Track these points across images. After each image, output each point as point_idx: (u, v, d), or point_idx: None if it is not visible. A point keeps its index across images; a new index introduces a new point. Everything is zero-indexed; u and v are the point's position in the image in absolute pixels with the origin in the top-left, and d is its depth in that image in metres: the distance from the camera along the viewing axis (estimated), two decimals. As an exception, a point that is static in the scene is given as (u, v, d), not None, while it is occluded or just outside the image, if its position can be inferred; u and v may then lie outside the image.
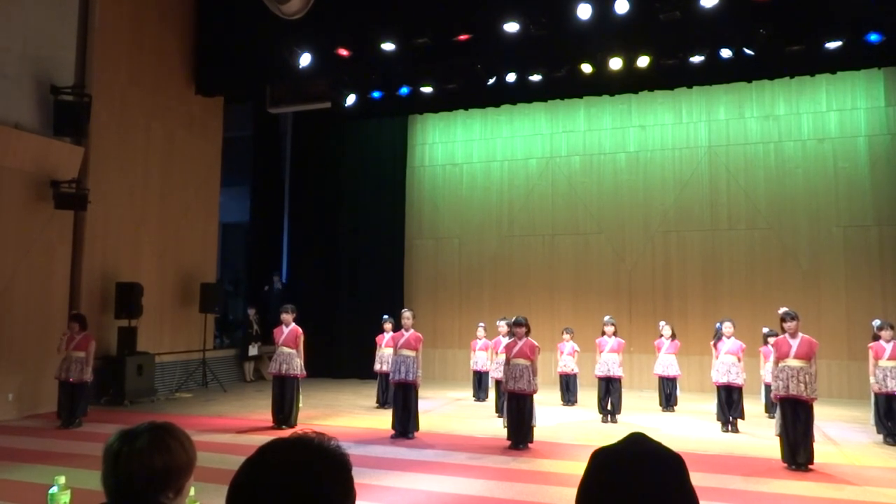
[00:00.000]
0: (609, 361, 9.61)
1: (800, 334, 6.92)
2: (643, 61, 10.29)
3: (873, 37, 9.34)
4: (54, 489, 2.87)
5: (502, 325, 10.07)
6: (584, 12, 9.60)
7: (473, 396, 11.43)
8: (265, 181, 15.76)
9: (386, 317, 10.69)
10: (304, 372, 8.99)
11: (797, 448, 6.68)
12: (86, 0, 10.74)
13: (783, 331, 7.04)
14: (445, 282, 14.76)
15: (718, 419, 8.92)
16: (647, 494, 1.00)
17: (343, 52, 11.07)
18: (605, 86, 11.04)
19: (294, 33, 11.07)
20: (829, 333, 11.32)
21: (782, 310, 7.20)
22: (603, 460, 1.07)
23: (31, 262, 9.76)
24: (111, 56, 11.07)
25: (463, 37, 10.35)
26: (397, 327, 8.99)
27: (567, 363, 10.80)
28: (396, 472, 6.48)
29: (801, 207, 12.53)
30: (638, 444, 1.07)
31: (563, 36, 9.98)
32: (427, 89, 11.65)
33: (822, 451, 7.25)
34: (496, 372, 9.85)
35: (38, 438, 8.03)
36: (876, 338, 8.18)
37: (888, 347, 7.99)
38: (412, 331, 8.54)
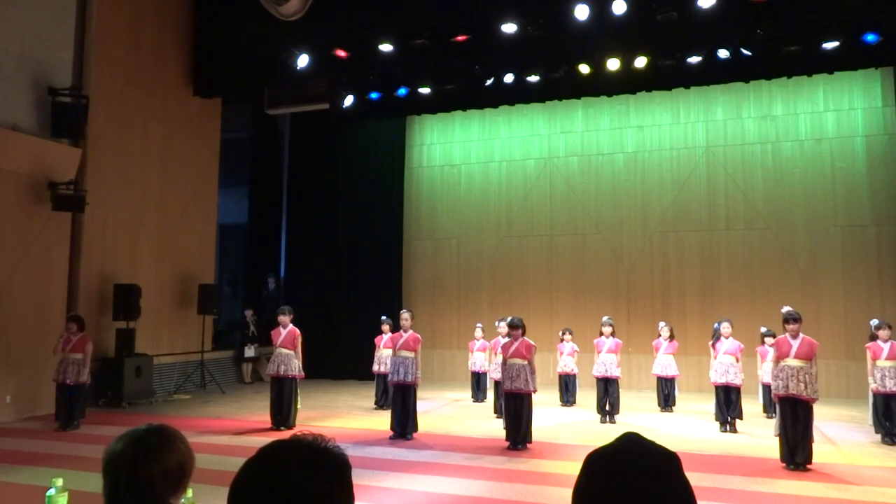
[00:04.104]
0: (607, 362, 9.61)
1: (800, 335, 6.92)
2: (641, 62, 10.30)
3: (870, 37, 9.35)
4: (52, 491, 2.86)
5: (501, 326, 10.07)
6: (582, 13, 9.61)
7: (472, 397, 11.43)
8: (263, 182, 15.76)
9: (384, 318, 10.70)
10: (303, 373, 8.99)
11: (796, 448, 6.69)
12: (83, 1, 10.73)
13: (784, 330, 7.04)
14: (444, 282, 14.76)
15: (717, 419, 8.91)
16: (642, 494, 1.00)
17: (341, 53, 11.06)
18: (603, 86, 11.04)
19: (292, 34, 11.07)
20: (827, 333, 11.34)
21: (785, 309, 7.21)
22: (597, 462, 1.06)
23: (29, 263, 9.75)
24: (109, 57, 11.06)
25: (461, 37, 10.35)
26: (396, 328, 9.00)
27: (567, 363, 10.80)
28: (395, 473, 6.48)
29: (798, 207, 12.54)
30: (632, 444, 1.07)
31: (561, 37, 9.98)
32: (425, 90, 11.65)
33: (821, 451, 7.26)
34: (495, 373, 9.85)
35: (36, 440, 8.01)
36: (873, 338, 8.18)
37: (886, 347, 8.00)
38: (411, 332, 8.54)
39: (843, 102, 12.47)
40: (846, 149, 12.39)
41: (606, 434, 8.17)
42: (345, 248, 15.04)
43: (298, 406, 9.01)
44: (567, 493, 1.07)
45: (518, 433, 7.67)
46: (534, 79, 10.97)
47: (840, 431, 8.78)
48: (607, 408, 9.49)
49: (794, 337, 6.91)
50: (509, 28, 10.02)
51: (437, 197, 15.04)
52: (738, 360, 8.89)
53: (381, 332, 10.68)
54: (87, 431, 8.46)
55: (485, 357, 11.17)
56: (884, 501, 5.62)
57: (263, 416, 9.10)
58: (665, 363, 10.30)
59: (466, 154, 14.93)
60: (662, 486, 1.01)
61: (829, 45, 9.43)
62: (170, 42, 12.43)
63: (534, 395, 7.85)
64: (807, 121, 12.69)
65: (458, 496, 5.74)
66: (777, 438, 6.92)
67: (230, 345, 14.23)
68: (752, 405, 9.71)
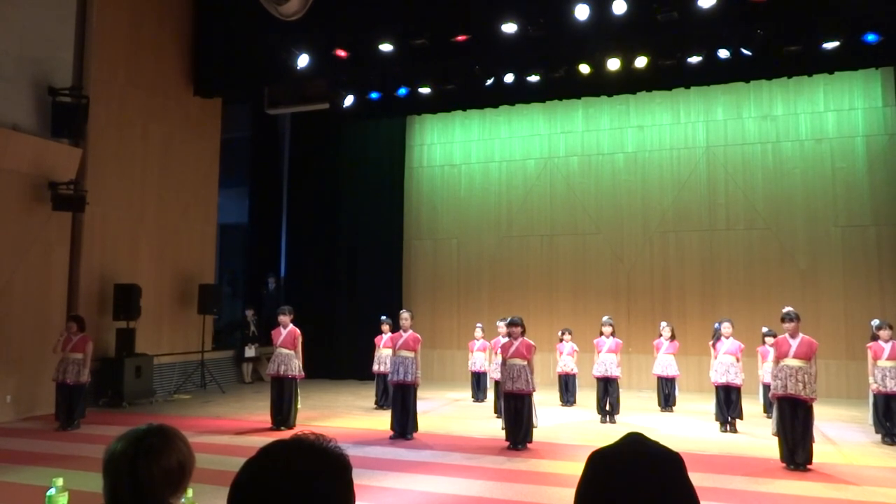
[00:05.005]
0: (607, 362, 9.61)
1: (800, 334, 6.93)
2: (641, 62, 10.30)
3: (871, 37, 9.35)
4: (52, 491, 2.86)
5: (501, 326, 10.06)
6: (582, 13, 9.61)
7: (472, 397, 11.43)
8: (263, 182, 15.76)
9: (384, 318, 10.70)
10: (303, 373, 8.99)
11: (796, 448, 6.69)
12: (83, 1, 10.73)
13: (782, 329, 7.05)
14: (444, 282, 14.76)
15: (717, 419, 8.91)
16: (646, 495, 0.99)
17: (341, 52, 11.06)
18: (603, 86, 11.04)
19: (292, 34, 11.07)
20: (827, 333, 11.33)
21: (785, 309, 7.22)
22: (601, 462, 1.06)
23: (29, 263, 9.75)
24: (109, 57, 11.06)
25: (461, 37, 10.35)
26: (396, 328, 9.00)
27: (567, 363, 10.81)
28: (395, 473, 6.48)
29: (799, 207, 12.54)
30: (636, 445, 1.07)
31: (561, 37, 9.98)
32: (425, 90, 11.64)
33: (821, 451, 7.26)
34: (495, 373, 9.84)
35: (36, 440, 8.01)
36: (874, 338, 8.18)
37: (887, 347, 8.00)
38: (411, 332, 8.54)
39: (843, 102, 12.47)
40: (846, 149, 12.38)
41: (606, 434, 8.17)
42: (345, 248, 15.04)
43: (299, 406, 9.01)
44: (567, 493, 1.07)
45: (518, 433, 7.67)
46: (534, 79, 10.97)
47: (840, 431, 8.78)
48: (607, 408, 9.50)
49: (794, 336, 6.91)
50: (509, 28, 10.01)
51: (437, 197, 15.04)
52: (738, 360, 8.90)
53: (381, 332, 10.68)
54: (87, 431, 8.46)
55: (485, 357, 11.17)
56: (884, 501, 5.62)
57: (263, 416, 9.10)
58: (665, 363, 10.30)
59: (466, 154, 14.93)
60: (666, 487, 1.01)
61: (829, 45, 9.42)
62: (170, 42, 12.43)
63: (534, 395, 7.85)
64: (807, 121, 12.69)
65: (458, 496, 5.74)
66: (776, 438, 6.92)
67: (230, 345, 14.22)
68: (752, 405, 9.71)
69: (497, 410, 9.48)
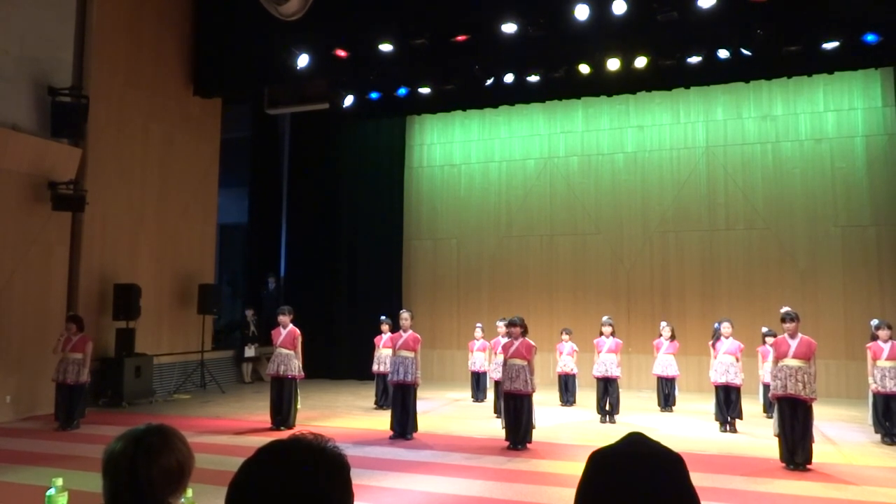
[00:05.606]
0: (607, 362, 9.61)
1: (799, 334, 6.93)
2: (641, 62, 10.29)
3: (870, 37, 9.34)
4: (52, 491, 2.86)
5: (501, 326, 10.07)
6: (582, 13, 9.61)
7: (472, 397, 11.43)
8: (263, 182, 15.76)
9: (384, 318, 10.71)
10: (303, 373, 8.99)
11: (795, 448, 6.69)
12: (83, 1, 10.73)
13: (782, 329, 7.06)
14: (444, 282, 14.76)
15: (717, 419, 8.92)
16: (647, 495, 0.99)
17: (341, 52, 11.07)
18: (603, 86, 11.03)
19: (292, 34, 11.07)
20: (826, 333, 11.33)
21: (784, 309, 7.23)
22: (602, 461, 1.05)
23: (29, 263, 9.74)
24: (109, 57, 11.06)
25: (461, 37, 10.36)
26: (395, 328, 9.00)
27: (566, 363, 10.81)
28: (395, 473, 6.48)
29: (798, 207, 12.54)
30: (637, 445, 1.06)
31: (561, 37, 9.98)
32: (425, 90, 11.64)
33: (821, 451, 7.25)
34: (495, 372, 9.85)
35: (36, 440, 8.01)
36: (874, 338, 8.19)
37: (886, 347, 8.00)
38: (410, 332, 8.55)
39: (843, 102, 12.47)
40: (846, 149, 12.38)
41: (606, 434, 8.17)
42: (345, 248, 15.04)
43: (298, 406, 9.01)
44: (567, 494, 1.07)
45: (518, 433, 7.67)
46: (534, 79, 10.95)
47: (840, 431, 8.78)
48: (607, 408, 9.50)
49: (793, 336, 6.91)
50: (509, 28, 10.02)
51: (437, 197, 15.04)
52: (738, 360, 8.90)
53: (380, 332, 10.69)
54: (86, 431, 8.46)
55: (485, 357, 11.18)
56: (884, 501, 5.62)
57: (263, 416, 9.10)
58: (665, 363, 10.30)
59: (466, 154, 14.93)
60: (666, 487, 1.01)
61: (829, 45, 9.42)
62: (170, 42, 12.43)
63: (534, 395, 7.85)
64: (807, 121, 12.69)
65: (458, 496, 5.74)
66: (777, 438, 6.92)
67: (230, 345, 14.23)
68: (752, 405, 9.71)
69: (497, 410, 9.48)
